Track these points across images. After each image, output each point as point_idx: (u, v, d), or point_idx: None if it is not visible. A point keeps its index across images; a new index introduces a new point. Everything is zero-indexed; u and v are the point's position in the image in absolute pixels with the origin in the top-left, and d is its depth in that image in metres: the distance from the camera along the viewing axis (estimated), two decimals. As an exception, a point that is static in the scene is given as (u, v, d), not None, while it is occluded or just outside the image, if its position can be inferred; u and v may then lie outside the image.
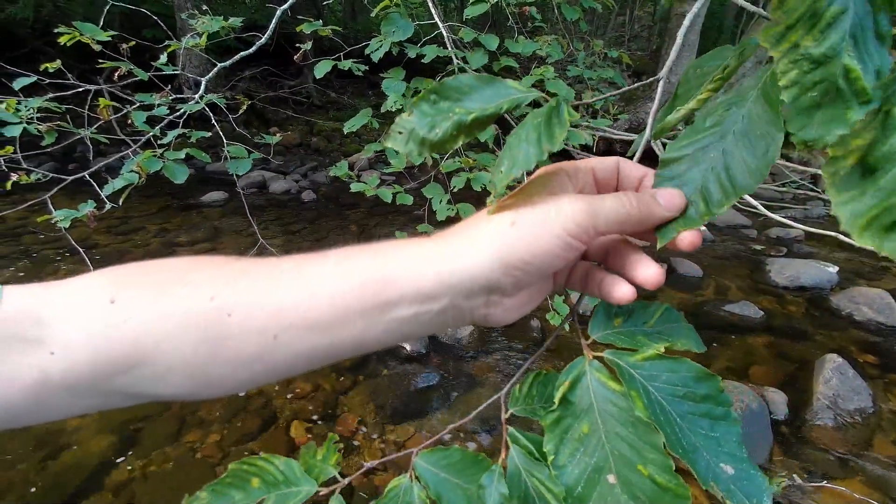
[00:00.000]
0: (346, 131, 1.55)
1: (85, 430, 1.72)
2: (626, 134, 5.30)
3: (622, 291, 0.28)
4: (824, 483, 1.47)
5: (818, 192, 4.89)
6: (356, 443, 1.70)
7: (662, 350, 0.27)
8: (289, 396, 1.91)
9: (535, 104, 0.31)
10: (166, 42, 1.73)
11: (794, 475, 1.52)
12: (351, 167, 1.95)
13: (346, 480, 0.37)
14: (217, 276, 0.27)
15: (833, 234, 3.51)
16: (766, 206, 4.32)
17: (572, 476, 0.25)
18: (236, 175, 1.55)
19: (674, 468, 0.23)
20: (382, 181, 1.88)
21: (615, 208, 0.26)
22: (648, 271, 0.27)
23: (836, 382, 1.89)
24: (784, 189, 5.05)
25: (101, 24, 1.55)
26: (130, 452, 1.65)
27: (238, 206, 4.28)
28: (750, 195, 3.62)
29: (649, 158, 0.32)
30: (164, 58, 1.58)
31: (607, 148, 5.80)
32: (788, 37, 0.20)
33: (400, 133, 0.31)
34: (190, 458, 1.64)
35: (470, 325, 2.36)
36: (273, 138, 1.63)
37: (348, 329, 0.26)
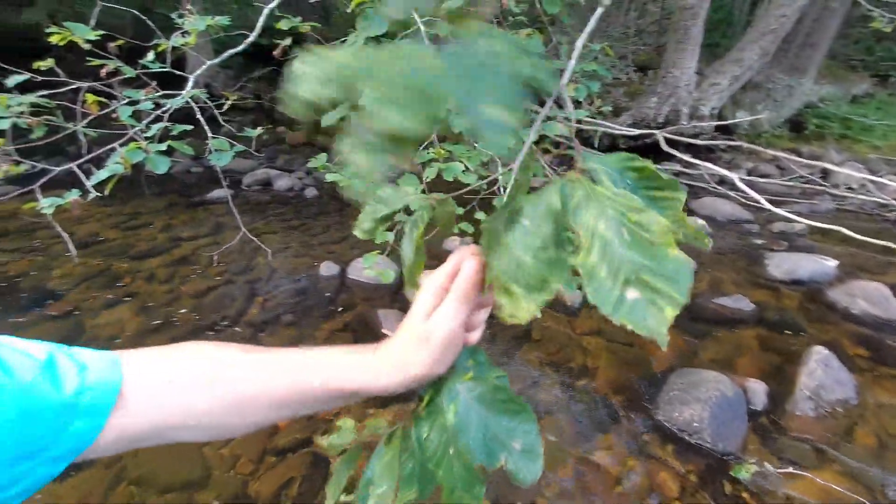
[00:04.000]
0: (323, 125, 1.60)
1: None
2: (627, 129, 5.24)
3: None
4: (790, 469, 1.46)
5: (826, 186, 4.79)
6: (337, 426, 1.75)
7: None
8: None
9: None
10: (154, 41, 1.81)
11: (766, 462, 1.52)
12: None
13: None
14: (244, 373, 0.40)
15: (837, 228, 3.43)
16: (771, 201, 4.25)
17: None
18: (219, 167, 1.62)
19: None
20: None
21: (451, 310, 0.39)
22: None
23: (820, 374, 1.87)
24: (791, 183, 4.96)
25: (105, 25, 1.63)
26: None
27: (242, 203, 4.38)
28: (750, 188, 3.50)
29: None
30: (150, 55, 1.65)
31: (611, 143, 5.76)
32: None
33: (359, 222, 0.49)
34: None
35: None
36: (254, 132, 1.69)
37: (329, 403, 0.43)
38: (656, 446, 1.64)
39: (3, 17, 4.20)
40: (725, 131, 5.82)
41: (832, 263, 2.96)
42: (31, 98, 1.39)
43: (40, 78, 1.50)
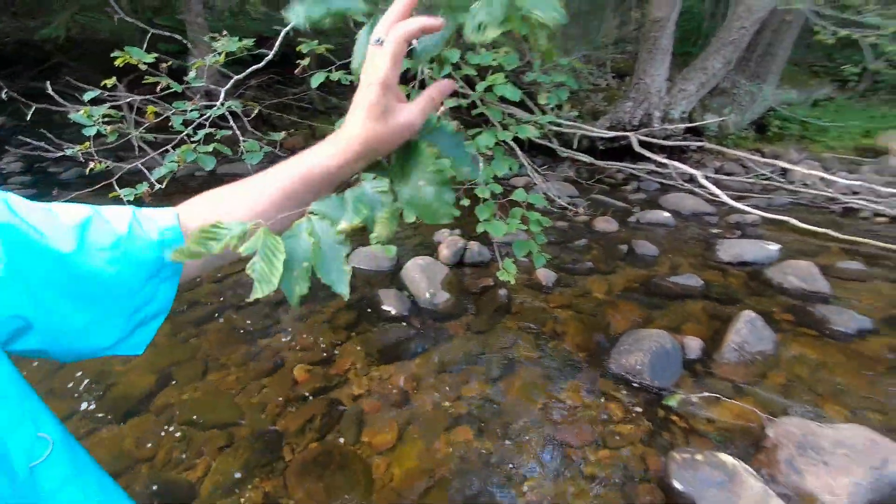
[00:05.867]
0: (336, 127, 1.97)
1: (131, 371, 2.15)
2: (602, 132, 5.63)
3: None
4: (710, 394, 1.86)
5: (782, 182, 5.25)
6: (348, 378, 2.12)
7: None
8: (293, 345, 2.34)
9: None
10: (193, 61, 2.16)
11: (692, 394, 1.92)
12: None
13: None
14: (254, 195, 0.50)
15: (784, 218, 3.90)
16: (734, 196, 4.73)
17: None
18: (251, 165, 1.97)
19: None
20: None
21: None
22: None
23: (746, 332, 2.27)
24: (752, 180, 5.42)
25: (122, 39, 1.98)
26: (168, 386, 2.08)
27: (248, 203, 4.71)
28: (715, 186, 3.99)
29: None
30: (193, 73, 2.01)
31: (590, 144, 6.18)
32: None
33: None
34: (214, 391, 2.07)
35: (446, 292, 2.77)
36: (279, 136, 2.05)
37: (308, 188, 0.50)
38: (607, 387, 2.03)
39: (23, 35, 4.55)
40: (696, 133, 6.27)
41: (774, 248, 3.39)
42: (104, 109, 1.74)
43: (106, 93, 1.85)
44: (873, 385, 2.04)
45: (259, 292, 0.39)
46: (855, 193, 4.84)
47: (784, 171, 5.59)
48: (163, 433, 1.85)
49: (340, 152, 0.47)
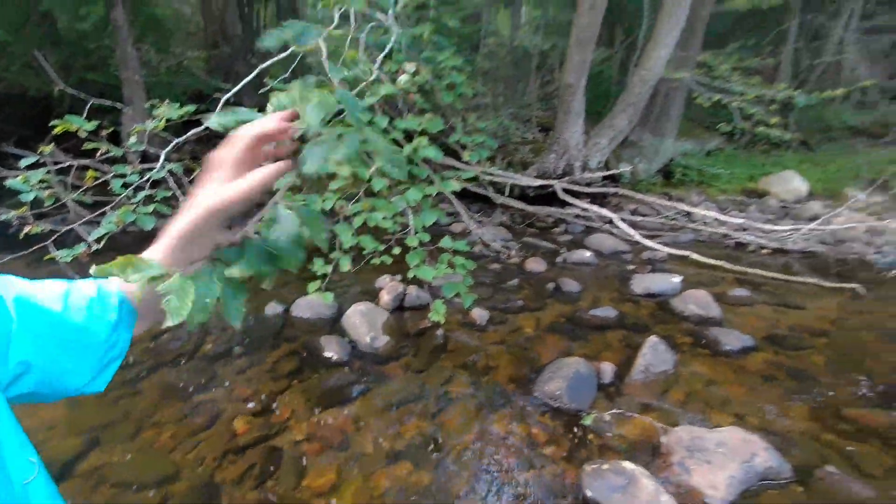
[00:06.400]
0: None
1: (54, 437, 2.07)
2: (531, 180, 6.15)
3: None
4: (620, 411, 2.11)
5: (685, 222, 5.96)
6: (289, 425, 2.16)
7: None
8: (233, 398, 2.35)
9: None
10: (135, 126, 2.28)
11: (605, 413, 2.16)
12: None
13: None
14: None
15: (686, 253, 4.49)
16: (648, 235, 5.34)
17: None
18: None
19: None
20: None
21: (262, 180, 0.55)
22: None
23: (650, 355, 2.59)
24: (663, 221, 6.11)
25: (56, 94, 2.08)
26: (96, 449, 2.02)
27: (184, 257, 4.64)
28: (630, 226, 4.54)
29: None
30: (133, 139, 2.12)
31: (521, 192, 6.71)
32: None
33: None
34: (147, 449, 2.03)
35: (387, 336, 2.90)
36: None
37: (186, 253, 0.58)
38: (533, 413, 2.23)
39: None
40: (614, 180, 7.01)
41: (677, 279, 3.86)
42: (41, 174, 1.81)
43: (42, 159, 1.92)
44: (752, 393, 2.39)
45: (171, 321, 0.48)
46: (744, 230, 5.61)
47: (688, 213, 6.38)
48: (91, 496, 1.80)
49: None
